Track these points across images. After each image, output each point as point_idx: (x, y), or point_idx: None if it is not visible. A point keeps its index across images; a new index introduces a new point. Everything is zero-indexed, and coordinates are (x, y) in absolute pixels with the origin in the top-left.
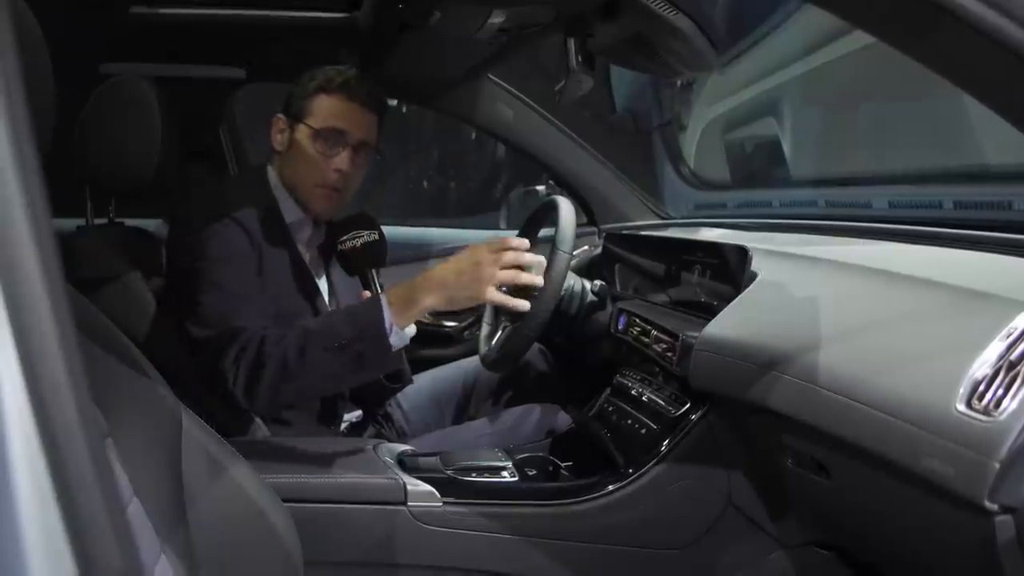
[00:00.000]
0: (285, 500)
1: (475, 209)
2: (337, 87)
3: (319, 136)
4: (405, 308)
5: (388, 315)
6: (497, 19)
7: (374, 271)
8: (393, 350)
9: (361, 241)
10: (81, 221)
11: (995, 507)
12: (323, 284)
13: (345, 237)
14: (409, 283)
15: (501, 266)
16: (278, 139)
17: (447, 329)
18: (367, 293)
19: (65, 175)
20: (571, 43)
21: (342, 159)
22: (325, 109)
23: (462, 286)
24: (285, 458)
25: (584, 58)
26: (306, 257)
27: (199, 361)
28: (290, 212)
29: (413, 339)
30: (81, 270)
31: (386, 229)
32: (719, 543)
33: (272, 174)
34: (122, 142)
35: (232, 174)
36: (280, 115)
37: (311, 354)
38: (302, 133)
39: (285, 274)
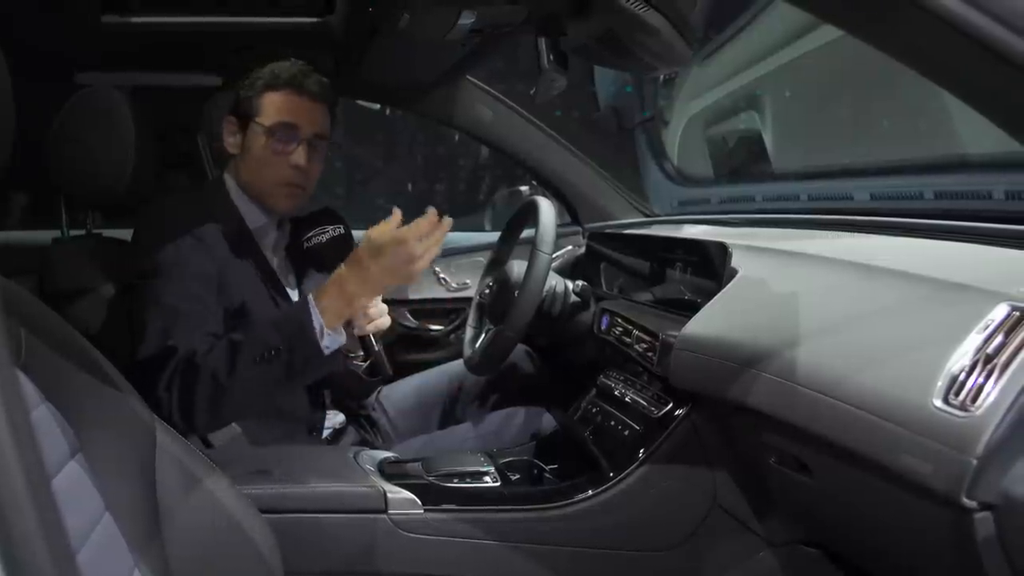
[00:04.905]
0: (263, 511)
1: (461, 211)
2: (284, 82)
3: (271, 133)
4: (336, 307)
5: (317, 318)
6: (467, 20)
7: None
8: (327, 353)
9: (327, 236)
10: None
11: (974, 504)
12: (293, 289)
13: (311, 234)
14: (336, 280)
15: (418, 237)
16: (231, 142)
17: (432, 333)
18: None
19: (43, 187)
20: (542, 43)
21: (298, 154)
22: (274, 105)
23: (393, 271)
24: (263, 468)
25: (556, 57)
26: (273, 262)
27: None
28: (253, 217)
29: (398, 343)
30: (57, 282)
31: None
32: (706, 543)
33: (230, 180)
34: (95, 152)
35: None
36: (230, 117)
37: (241, 368)
38: (254, 132)
39: (251, 284)
